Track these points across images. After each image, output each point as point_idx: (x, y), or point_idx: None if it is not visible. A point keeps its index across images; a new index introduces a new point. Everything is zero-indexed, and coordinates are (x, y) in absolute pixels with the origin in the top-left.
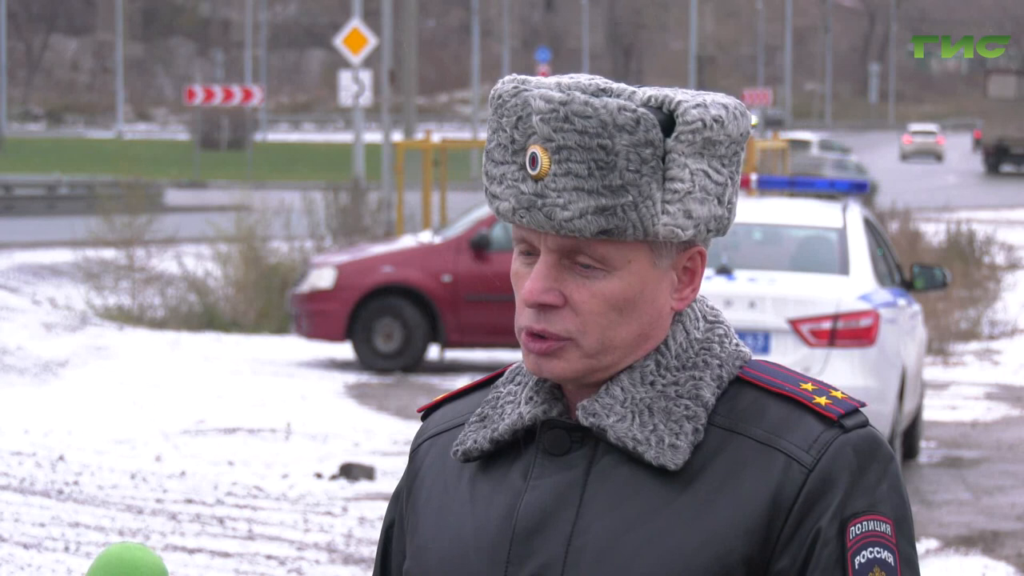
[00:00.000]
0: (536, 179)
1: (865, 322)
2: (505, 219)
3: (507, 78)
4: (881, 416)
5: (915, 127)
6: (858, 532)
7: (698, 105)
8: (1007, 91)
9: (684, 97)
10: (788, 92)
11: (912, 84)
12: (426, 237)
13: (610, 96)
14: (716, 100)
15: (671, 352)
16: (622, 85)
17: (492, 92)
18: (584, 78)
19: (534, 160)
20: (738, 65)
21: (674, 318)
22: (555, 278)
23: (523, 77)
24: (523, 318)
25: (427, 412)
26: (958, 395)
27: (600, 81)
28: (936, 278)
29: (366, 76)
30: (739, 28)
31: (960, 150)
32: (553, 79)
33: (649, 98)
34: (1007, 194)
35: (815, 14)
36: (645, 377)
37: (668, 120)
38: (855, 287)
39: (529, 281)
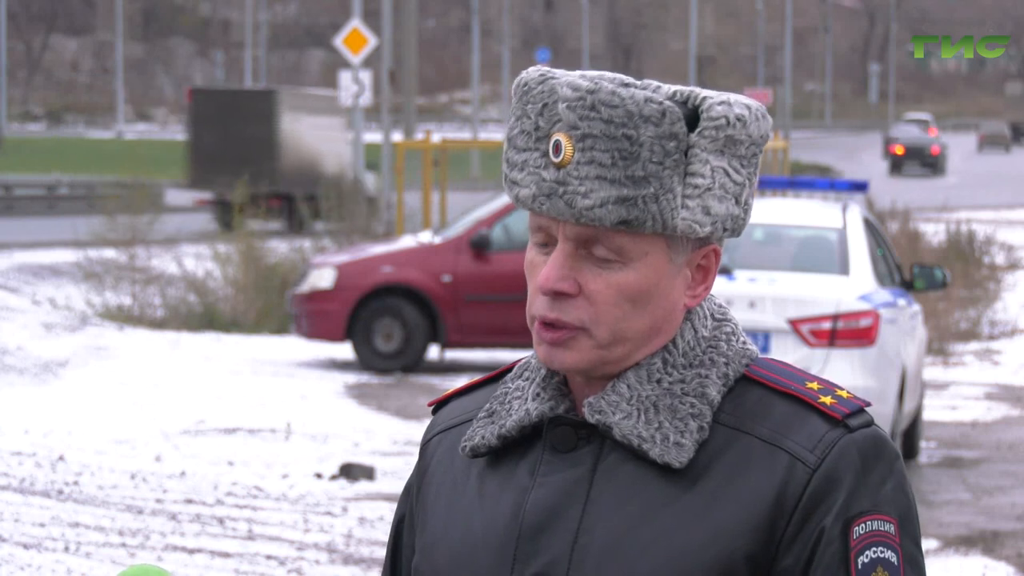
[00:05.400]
0: (559, 167)
1: (865, 322)
2: (524, 206)
3: (532, 68)
4: (881, 416)
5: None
6: (862, 532)
7: (723, 102)
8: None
9: (709, 94)
10: (788, 92)
11: (912, 84)
12: (426, 237)
13: (636, 89)
14: (740, 100)
15: (678, 350)
16: (647, 80)
17: (517, 80)
18: (608, 73)
19: (557, 147)
20: (738, 65)
21: (684, 315)
22: (571, 267)
23: (548, 68)
24: (536, 306)
25: (437, 406)
26: (958, 395)
27: (624, 77)
28: (936, 278)
29: (366, 76)
30: (739, 28)
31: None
32: (577, 72)
33: (675, 92)
34: (1007, 194)
35: (815, 14)
36: (652, 375)
37: (692, 115)
38: (855, 287)
39: (545, 268)
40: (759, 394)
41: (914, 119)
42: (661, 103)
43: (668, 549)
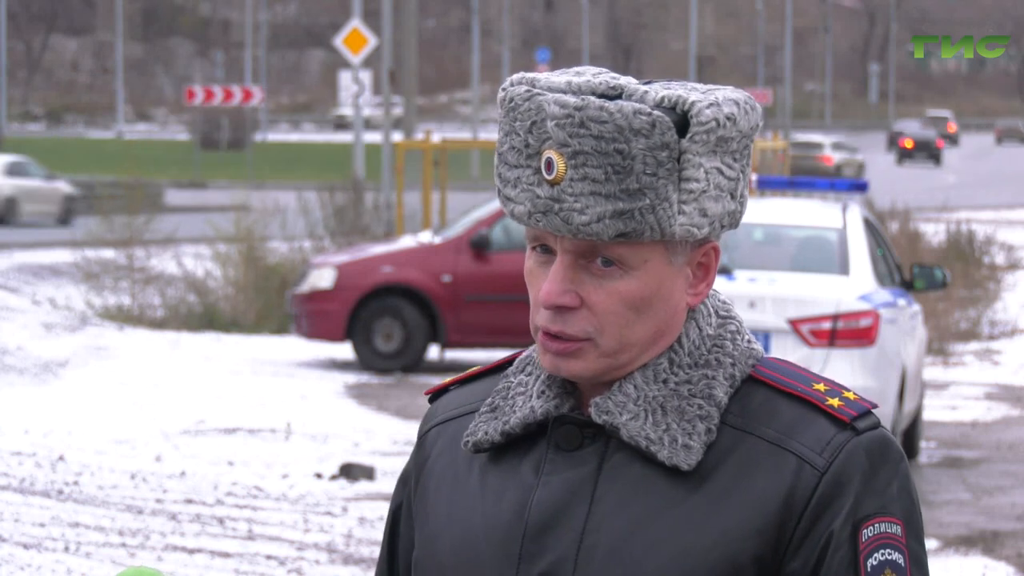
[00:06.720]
0: (552, 184)
1: (865, 322)
2: (520, 222)
3: (515, 78)
4: (881, 416)
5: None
6: (870, 534)
7: (711, 104)
8: None
9: (697, 97)
10: (788, 92)
11: (912, 84)
12: (426, 237)
13: (622, 96)
14: (728, 96)
15: (684, 350)
16: (631, 82)
17: (502, 94)
18: (591, 73)
19: (550, 165)
20: (738, 65)
21: (688, 314)
22: (571, 279)
23: (532, 76)
24: (539, 318)
25: (435, 395)
26: (958, 395)
27: (608, 77)
28: (936, 278)
29: (366, 76)
30: (739, 28)
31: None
32: (561, 76)
33: (662, 99)
34: (1007, 194)
35: (815, 14)
36: (658, 375)
37: (682, 120)
38: (855, 287)
39: (546, 283)
40: (765, 395)
41: (934, 116)
42: (650, 114)
43: (674, 550)
